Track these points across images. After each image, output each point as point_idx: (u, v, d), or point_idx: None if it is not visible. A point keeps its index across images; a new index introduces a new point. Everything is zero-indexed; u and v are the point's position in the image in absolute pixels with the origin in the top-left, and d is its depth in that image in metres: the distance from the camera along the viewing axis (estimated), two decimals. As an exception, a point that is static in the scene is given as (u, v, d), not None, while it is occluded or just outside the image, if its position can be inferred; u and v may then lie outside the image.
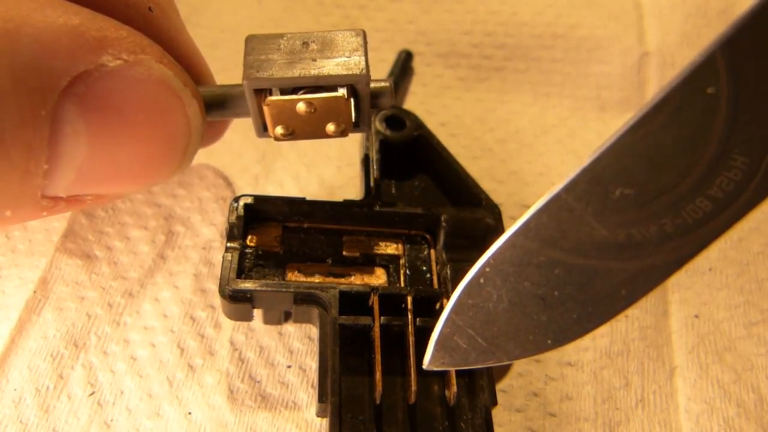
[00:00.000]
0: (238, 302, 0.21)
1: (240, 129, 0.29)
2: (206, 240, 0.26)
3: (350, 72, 0.18)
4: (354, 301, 0.21)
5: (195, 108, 0.19)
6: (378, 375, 0.20)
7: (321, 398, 0.19)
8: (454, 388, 0.20)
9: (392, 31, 0.34)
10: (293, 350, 0.23)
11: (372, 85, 0.18)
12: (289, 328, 0.24)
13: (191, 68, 0.21)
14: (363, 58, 0.18)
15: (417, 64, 0.33)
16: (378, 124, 0.26)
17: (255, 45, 0.19)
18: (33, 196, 0.17)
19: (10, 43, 0.16)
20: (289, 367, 0.23)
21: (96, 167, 0.18)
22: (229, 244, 0.22)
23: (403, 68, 0.32)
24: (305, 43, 0.18)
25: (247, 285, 0.21)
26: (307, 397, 0.22)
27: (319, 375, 0.20)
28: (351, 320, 0.21)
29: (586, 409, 0.22)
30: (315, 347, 0.23)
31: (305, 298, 0.21)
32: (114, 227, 0.26)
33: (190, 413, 0.22)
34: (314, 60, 0.18)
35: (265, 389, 0.22)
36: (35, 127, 0.16)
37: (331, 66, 0.18)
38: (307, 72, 0.18)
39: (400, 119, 0.26)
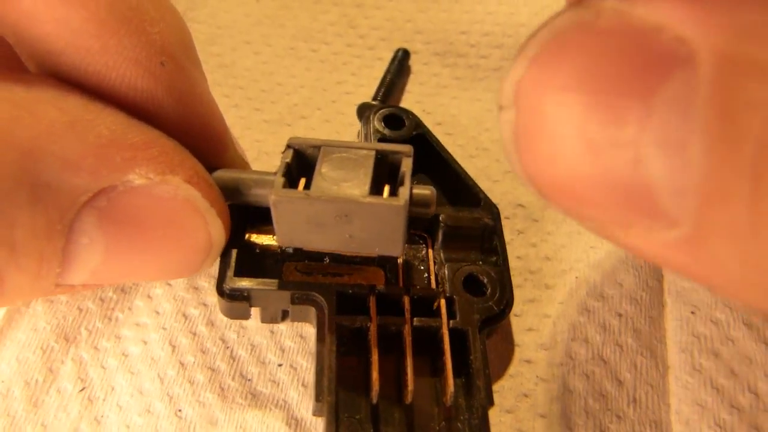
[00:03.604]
0: (236, 301, 0.21)
1: (237, 127, 0.29)
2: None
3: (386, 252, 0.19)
4: (351, 301, 0.21)
5: (218, 227, 0.19)
6: (375, 375, 0.19)
7: (317, 397, 0.19)
8: (452, 389, 0.20)
9: (389, 29, 0.34)
10: (284, 348, 0.23)
11: (415, 191, 0.19)
12: (281, 326, 0.24)
13: (206, 128, 0.20)
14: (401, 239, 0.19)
15: (414, 62, 0.33)
16: (376, 123, 0.26)
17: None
18: (45, 289, 0.17)
19: (32, 162, 0.15)
20: (280, 365, 0.23)
21: (111, 270, 0.18)
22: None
23: (400, 67, 0.32)
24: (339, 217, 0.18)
25: (245, 284, 0.21)
26: (297, 395, 0.22)
27: (315, 374, 0.20)
28: (348, 320, 0.21)
29: (576, 410, 0.22)
30: (307, 346, 0.23)
31: (302, 298, 0.21)
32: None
33: (180, 410, 0.22)
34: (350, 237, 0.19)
35: (255, 387, 0.22)
36: (49, 239, 0.16)
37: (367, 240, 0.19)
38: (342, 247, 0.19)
39: (398, 118, 0.26)
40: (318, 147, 0.19)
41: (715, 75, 0.11)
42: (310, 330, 0.24)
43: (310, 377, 0.23)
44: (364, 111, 0.30)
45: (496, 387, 0.23)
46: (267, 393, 0.22)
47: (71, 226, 0.16)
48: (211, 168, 0.20)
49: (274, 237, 0.22)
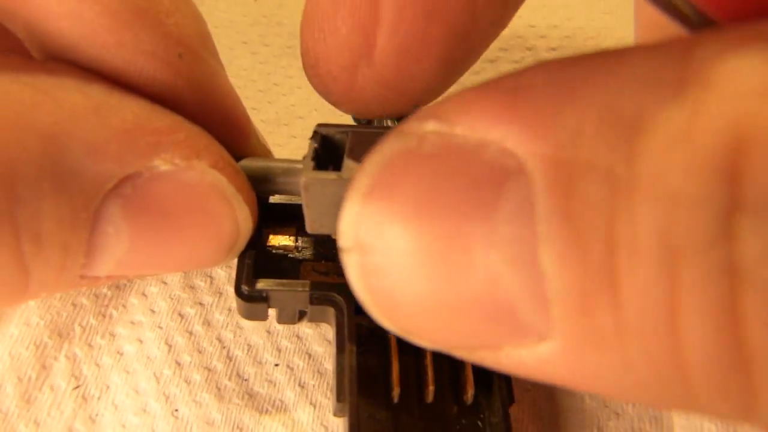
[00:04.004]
0: (254, 302, 0.21)
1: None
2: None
3: None
4: None
5: (245, 213, 0.19)
6: (395, 375, 0.20)
7: (339, 398, 0.19)
8: (472, 387, 0.20)
9: (387, 33, 0.34)
10: (281, 348, 0.23)
11: None
12: (278, 327, 0.24)
13: (228, 117, 0.20)
14: None
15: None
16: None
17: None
18: (70, 282, 0.17)
19: (56, 148, 0.15)
20: (276, 365, 0.23)
21: (136, 260, 0.17)
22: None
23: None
24: None
25: (263, 285, 0.21)
26: (294, 395, 0.22)
27: (336, 375, 0.20)
28: (367, 320, 0.21)
29: (574, 408, 0.23)
30: (303, 346, 0.23)
31: (321, 298, 0.21)
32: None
33: (176, 410, 0.21)
34: None
35: (252, 387, 0.22)
36: (74, 229, 0.15)
37: None
38: None
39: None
40: (346, 132, 0.19)
41: (549, 182, 0.11)
42: (306, 330, 0.24)
43: (307, 377, 0.23)
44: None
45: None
46: (264, 393, 0.22)
47: (96, 215, 0.16)
48: (236, 157, 0.20)
49: (291, 238, 0.22)
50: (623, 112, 0.10)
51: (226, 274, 0.25)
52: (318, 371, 0.23)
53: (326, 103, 0.31)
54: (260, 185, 0.20)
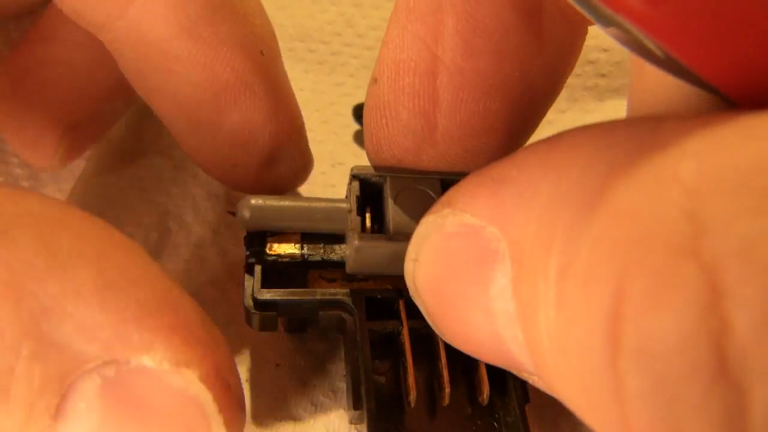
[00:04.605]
0: (264, 312, 0.21)
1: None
2: (198, 237, 0.26)
3: None
4: (380, 306, 0.21)
5: None
6: (411, 379, 0.20)
7: (356, 405, 0.20)
8: (488, 388, 0.20)
9: (387, 30, 0.35)
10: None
11: None
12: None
13: (289, 117, 0.22)
14: None
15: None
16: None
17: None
18: None
19: (46, 320, 0.15)
20: (278, 365, 0.23)
21: None
22: (248, 252, 0.22)
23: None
24: None
25: (273, 295, 0.21)
26: (295, 394, 0.23)
27: (351, 381, 0.20)
28: (379, 325, 0.21)
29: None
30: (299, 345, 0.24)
31: (331, 305, 0.21)
32: (108, 221, 0.26)
33: None
34: None
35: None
36: (43, 395, 0.15)
37: None
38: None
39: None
40: (384, 177, 0.21)
41: (513, 265, 0.14)
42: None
43: (306, 375, 0.23)
44: (359, 111, 0.30)
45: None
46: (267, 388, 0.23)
47: (72, 386, 0.15)
48: (291, 159, 0.22)
49: (296, 246, 0.22)
50: (557, 221, 0.13)
51: None
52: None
53: (327, 105, 0.32)
54: (302, 225, 0.21)
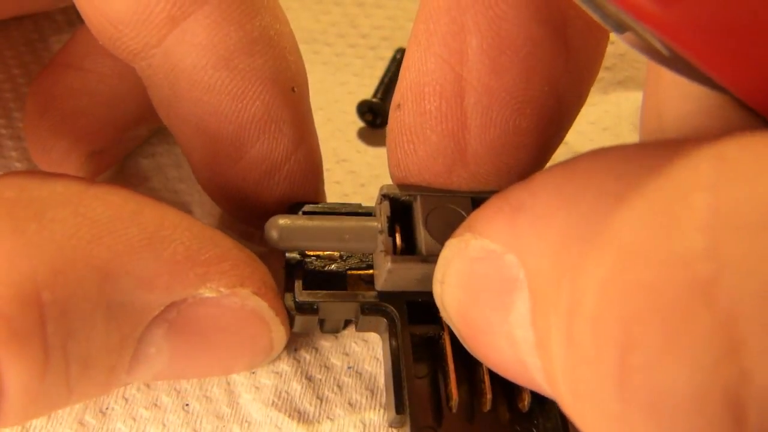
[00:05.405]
0: (305, 314, 0.21)
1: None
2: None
3: None
4: (420, 310, 0.21)
5: (281, 333, 0.20)
6: (453, 385, 0.20)
7: (398, 409, 0.19)
8: (528, 394, 0.20)
9: (391, 28, 0.35)
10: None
11: None
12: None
13: (310, 155, 0.22)
14: None
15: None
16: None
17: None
18: (108, 391, 0.19)
19: (110, 284, 0.16)
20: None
21: (172, 372, 0.19)
22: (288, 255, 0.22)
23: (400, 66, 0.32)
24: None
25: (314, 297, 0.21)
26: (300, 387, 0.23)
27: (393, 385, 0.20)
28: (420, 329, 0.21)
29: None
30: (310, 341, 0.24)
31: (372, 308, 0.21)
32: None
33: (187, 405, 0.22)
34: None
35: (260, 380, 0.23)
36: (120, 354, 0.16)
37: None
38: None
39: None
40: (414, 196, 0.20)
41: (531, 294, 0.14)
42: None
43: (314, 371, 0.23)
44: (363, 108, 0.30)
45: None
46: (270, 384, 0.23)
47: (140, 338, 0.17)
48: (307, 197, 0.22)
49: (336, 258, 0.22)
50: (567, 258, 0.13)
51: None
52: (324, 365, 0.23)
53: (331, 103, 0.32)
54: (331, 246, 0.21)
